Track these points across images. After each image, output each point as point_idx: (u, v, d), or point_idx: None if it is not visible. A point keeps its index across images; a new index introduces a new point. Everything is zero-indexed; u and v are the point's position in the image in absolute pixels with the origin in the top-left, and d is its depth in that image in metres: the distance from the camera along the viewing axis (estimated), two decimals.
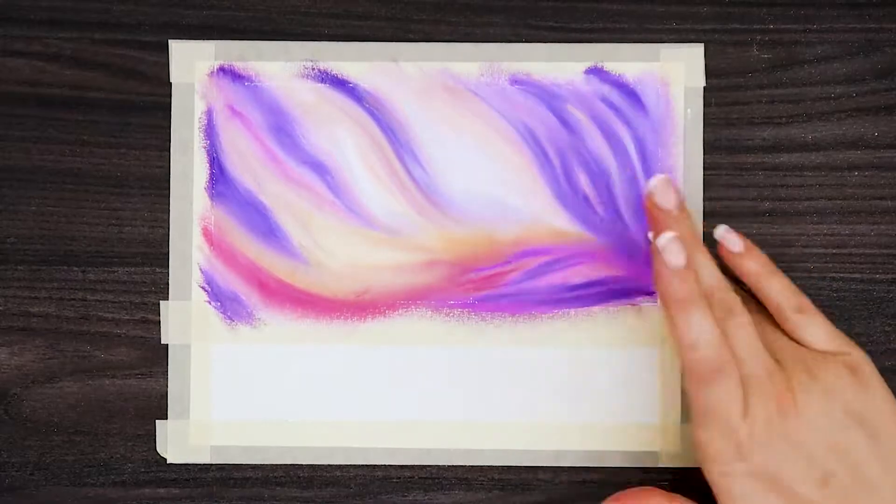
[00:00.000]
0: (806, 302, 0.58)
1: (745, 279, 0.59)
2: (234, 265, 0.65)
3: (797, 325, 0.58)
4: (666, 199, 0.58)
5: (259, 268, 0.65)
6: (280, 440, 0.64)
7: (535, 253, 0.64)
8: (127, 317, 0.65)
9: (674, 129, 0.64)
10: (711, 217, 0.64)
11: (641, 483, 0.64)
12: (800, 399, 0.55)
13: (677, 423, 0.64)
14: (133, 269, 0.65)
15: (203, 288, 0.64)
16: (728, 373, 0.55)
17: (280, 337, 0.64)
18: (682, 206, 0.58)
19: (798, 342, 0.58)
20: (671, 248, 0.56)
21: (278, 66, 0.64)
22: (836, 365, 0.56)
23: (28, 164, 0.65)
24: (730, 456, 0.55)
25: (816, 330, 0.58)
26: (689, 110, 0.64)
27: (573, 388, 0.64)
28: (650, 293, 0.64)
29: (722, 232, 0.59)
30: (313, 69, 0.65)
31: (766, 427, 0.54)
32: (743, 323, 0.56)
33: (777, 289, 0.58)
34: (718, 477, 0.55)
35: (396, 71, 0.64)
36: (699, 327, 0.55)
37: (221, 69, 0.65)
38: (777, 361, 0.56)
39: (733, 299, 0.57)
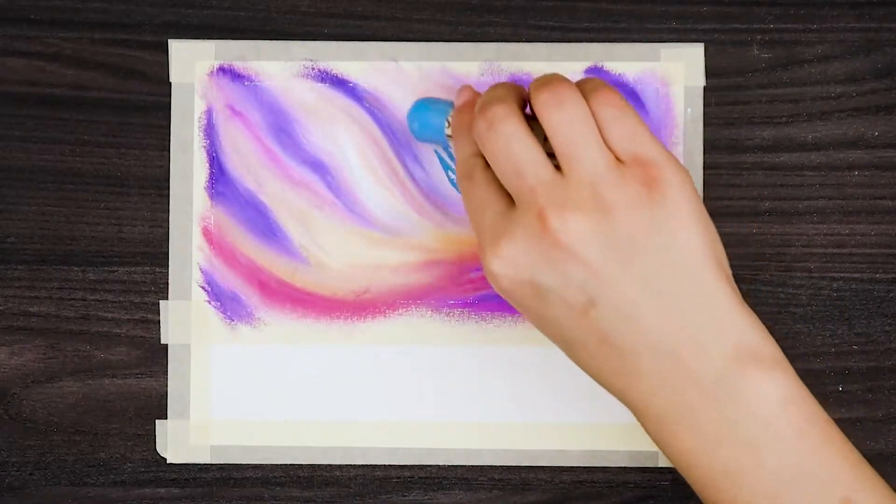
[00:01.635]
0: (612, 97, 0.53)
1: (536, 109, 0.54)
2: (234, 265, 0.65)
3: (602, 120, 0.53)
4: (461, 98, 0.59)
5: (259, 267, 0.64)
6: (280, 440, 0.64)
7: None
8: (127, 316, 0.65)
9: (674, 129, 0.64)
10: (711, 216, 0.64)
11: (641, 483, 0.64)
12: (565, 218, 0.51)
13: None
14: (133, 268, 0.65)
15: (203, 288, 0.64)
16: (478, 174, 0.55)
17: (280, 337, 0.64)
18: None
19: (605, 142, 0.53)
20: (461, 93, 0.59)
21: (278, 65, 0.64)
22: (631, 182, 0.51)
23: (28, 163, 0.65)
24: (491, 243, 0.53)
25: (620, 129, 0.52)
26: (689, 110, 0.64)
27: (573, 388, 0.64)
28: None
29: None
30: (313, 69, 0.65)
31: (526, 241, 0.52)
32: (507, 132, 0.52)
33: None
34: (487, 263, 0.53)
35: (396, 70, 0.64)
36: (463, 144, 0.57)
37: (221, 69, 0.65)
38: (567, 171, 0.52)
39: (501, 109, 0.53)
